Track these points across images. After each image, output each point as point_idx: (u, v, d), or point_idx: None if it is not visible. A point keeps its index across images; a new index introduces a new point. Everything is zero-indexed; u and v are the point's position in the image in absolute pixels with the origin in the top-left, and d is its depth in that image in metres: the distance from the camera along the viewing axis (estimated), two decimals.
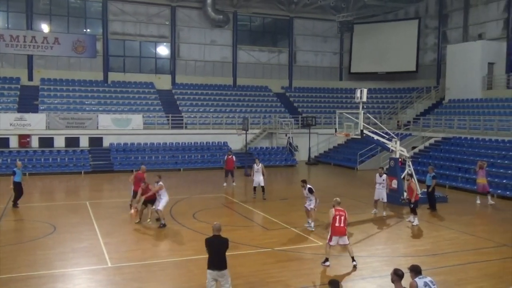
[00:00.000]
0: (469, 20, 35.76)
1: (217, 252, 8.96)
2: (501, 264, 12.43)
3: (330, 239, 11.84)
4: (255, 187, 21.10)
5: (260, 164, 21.21)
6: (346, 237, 11.92)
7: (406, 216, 18.26)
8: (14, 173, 18.70)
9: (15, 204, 18.49)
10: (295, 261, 12.45)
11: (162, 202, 15.78)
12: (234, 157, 25.03)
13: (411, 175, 17.93)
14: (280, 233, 15.31)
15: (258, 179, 20.84)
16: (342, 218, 11.77)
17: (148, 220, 16.17)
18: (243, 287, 10.54)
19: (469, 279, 11.22)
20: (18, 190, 18.63)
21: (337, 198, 12.38)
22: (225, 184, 24.35)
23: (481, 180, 20.33)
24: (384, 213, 18.10)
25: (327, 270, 11.69)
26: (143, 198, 16.02)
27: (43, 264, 11.98)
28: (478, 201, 20.46)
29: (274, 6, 41.01)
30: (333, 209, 11.92)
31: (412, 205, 16.66)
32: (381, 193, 18.15)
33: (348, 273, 11.56)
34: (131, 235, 14.82)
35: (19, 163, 19.65)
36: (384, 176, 18.38)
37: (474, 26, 35.34)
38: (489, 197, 20.40)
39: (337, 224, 11.73)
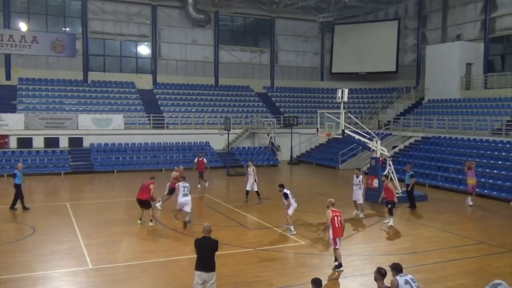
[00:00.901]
0: (448, 21, 36.31)
1: (206, 254, 8.92)
2: (480, 261, 12.66)
3: (336, 243, 11.48)
4: (248, 191, 20.37)
5: (253, 166, 20.43)
6: (341, 238, 11.73)
7: (387, 215, 18.47)
8: (14, 175, 18.33)
9: (12, 207, 18.15)
10: (277, 261, 12.49)
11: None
12: (205, 159, 24.89)
13: (386, 176, 17.67)
14: (262, 233, 15.34)
15: (250, 182, 20.13)
16: (339, 218, 11.55)
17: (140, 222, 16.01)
18: (226, 287, 10.54)
19: (449, 277, 11.40)
20: (18, 192, 18.21)
21: (331, 199, 12.09)
22: (199, 186, 23.60)
23: (471, 180, 20.19)
24: (361, 215, 17.70)
25: (311, 270, 11.75)
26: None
27: (23, 266, 11.78)
28: (470, 202, 20.03)
29: (256, 6, 41.04)
30: (330, 210, 11.62)
31: (389, 206, 16.53)
32: (356, 194, 17.90)
33: (331, 272, 11.64)
34: (112, 236, 14.67)
35: (20, 165, 19.25)
36: (361, 177, 18.06)
37: (452, 27, 35.89)
38: (469, 197, 20.32)
39: (336, 226, 11.48)
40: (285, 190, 15.31)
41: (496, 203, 20.68)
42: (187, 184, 16.04)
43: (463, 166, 21.46)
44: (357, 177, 17.97)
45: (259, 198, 20.12)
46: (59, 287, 10.64)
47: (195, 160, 24.92)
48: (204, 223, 15.83)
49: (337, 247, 11.53)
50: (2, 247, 13.33)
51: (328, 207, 11.86)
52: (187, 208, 15.67)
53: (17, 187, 18.19)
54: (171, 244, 14.15)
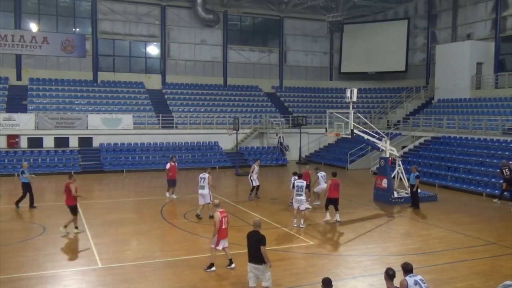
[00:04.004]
0: (458, 21, 36.04)
1: (253, 246, 9.32)
2: (491, 262, 12.55)
3: (218, 243, 11.27)
4: (253, 187, 20.90)
5: (257, 167, 21.03)
6: (227, 239, 11.57)
7: (397, 215, 18.42)
8: (22, 173, 18.75)
9: (31, 205, 18.66)
10: (286, 261, 12.46)
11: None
12: (176, 163, 21.73)
13: (334, 174, 17.62)
14: (270, 232, 15.25)
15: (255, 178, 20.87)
16: (226, 219, 11.36)
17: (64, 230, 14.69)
18: (235, 287, 10.54)
19: (459, 277, 11.30)
20: (26, 190, 18.68)
21: (216, 200, 12.03)
22: (168, 195, 21.21)
23: None
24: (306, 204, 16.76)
25: (320, 270, 11.71)
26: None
27: (33, 265, 11.87)
28: None
29: (264, 6, 41.03)
30: (218, 212, 11.25)
31: (326, 202, 17.04)
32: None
33: (339, 272, 11.60)
34: (121, 236, 14.74)
35: (25, 163, 19.54)
36: (321, 174, 19.25)
37: (462, 26, 35.62)
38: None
39: (223, 227, 11.23)
40: (294, 180, 16.23)
41: (507, 204, 20.47)
42: (205, 176, 16.79)
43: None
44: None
45: (250, 194, 20.99)
46: (69, 286, 10.69)
47: (167, 166, 21.08)
48: (212, 222, 15.94)
49: (218, 247, 11.35)
50: (12, 245, 13.45)
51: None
52: (201, 201, 16.74)
53: (25, 185, 18.59)
54: (180, 243, 14.17)
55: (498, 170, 21.33)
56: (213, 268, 11.46)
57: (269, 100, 40.24)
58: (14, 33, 34.06)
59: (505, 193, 20.48)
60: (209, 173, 17.07)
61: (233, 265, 11.59)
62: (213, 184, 17.09)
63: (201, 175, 16.93)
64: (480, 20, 34.29)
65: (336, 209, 16.80)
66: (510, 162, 20.99)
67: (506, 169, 20.26)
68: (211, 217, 16.54)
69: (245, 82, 41.20)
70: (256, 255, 9.20)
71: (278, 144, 35.41)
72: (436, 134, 30.17)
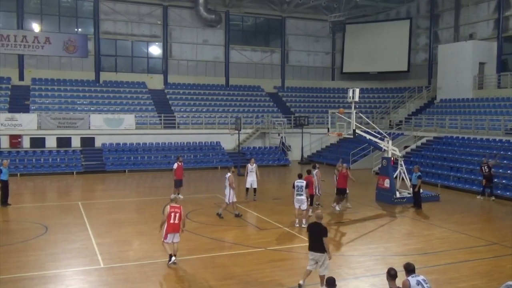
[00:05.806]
0: (460, 20, 35.98)
1: (315, 237, 10.04)
2: (493, 262, 12.51)
3: (166, 237, 11.76)
4: (247, 188, 20.81)
5: (255, 164, 20.73)
6: (179, 234, 11.84)
7: (399, 215, 18.40)
8: (0, 172, 18.73)
9: (4, 203, 18.62)
10: (288, 260, 12.46)
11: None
12: (183, 163, 21.44)
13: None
14: (273, 232, 15.31)
15: (251, 179, 20.50)
16: (177, 215, 11.68)
17: None
18: (237, 287, 10.55)
19: (461, 278, 11.28)
20: (4, 188, 18.70)
21: (172, 195, 12.47)
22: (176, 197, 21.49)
23: None
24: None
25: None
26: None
27: (35, 265, 11.89)
28: None
29: (266, 6, 41.04)
30: (168, 207, 11.81)
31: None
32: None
33: (341, 272, 11.58)
34: (123, 236, 14.75)
35: (5, 161, 19.61)
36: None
37: (465, 26, 35.56)
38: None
39: (171, 221, 11.63)
40: (297, 181, 15.89)
41: (510, 204, 20.45)
42: (227, 175, 17.08)
43: None
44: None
45: (255, 195, 20.65)
46: (71, 285, 10.70)
47: (174, 166, 20.69)
48: (214, 222, 15.96)
49: (166, 241, 11.77)
50: (15, 245, 13.46)
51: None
52: (226, 199, 17.17)
53: (3, 183, 18.64)
54: (181, 243, 14.12)
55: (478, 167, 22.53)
56: (173, 259, 11.72)
57: (271, 100, 40.24)
58: (16, 33, 34.12)
59: (486, 189, 21.44)
60: (233, 172, 17.42)
61: (173, 259, 11.73)
62: (231, 183, 16.88)
63: (225, 175, 17.31)
64: (482, 20, 34.22)
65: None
66: (490, 160, 21.81)
67: (485, 166, 21.13)
68: (237, 215, 17.04)
69: (247, 82, 41.20)
70: (318, 245, 9.94)
71: (280, 144, 35.41)
72: (438, 134, 30.11)
